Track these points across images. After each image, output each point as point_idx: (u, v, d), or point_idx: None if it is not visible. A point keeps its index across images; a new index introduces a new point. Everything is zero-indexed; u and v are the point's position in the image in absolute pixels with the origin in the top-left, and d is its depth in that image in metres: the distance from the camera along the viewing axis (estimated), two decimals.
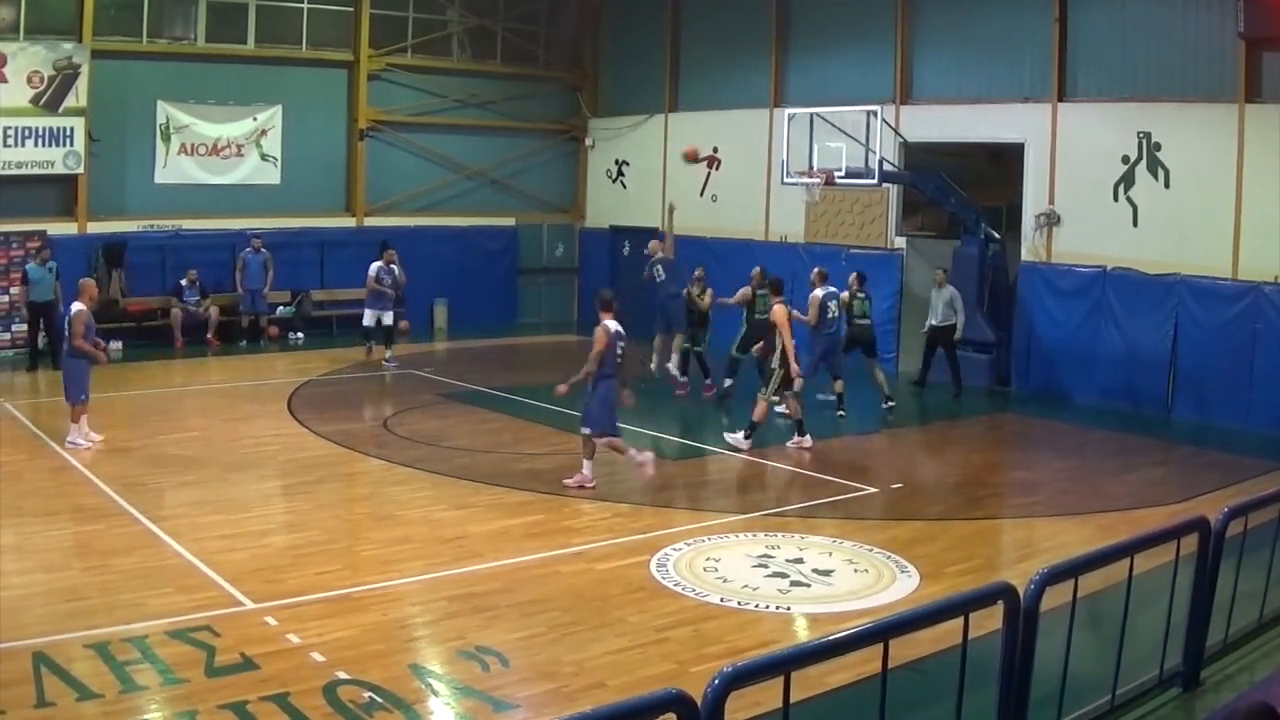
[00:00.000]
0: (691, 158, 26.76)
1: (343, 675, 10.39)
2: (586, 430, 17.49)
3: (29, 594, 12.46)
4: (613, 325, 17.26)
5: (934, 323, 25.90)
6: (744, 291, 23.74)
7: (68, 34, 29.12)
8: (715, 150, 33.57)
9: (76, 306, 19.27)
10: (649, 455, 17.70)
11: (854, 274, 24.77)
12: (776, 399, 20.69)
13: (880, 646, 6.38)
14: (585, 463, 17.57)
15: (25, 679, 10.10)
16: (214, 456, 18.97)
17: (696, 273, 25.08)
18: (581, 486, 17.35)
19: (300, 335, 31.87)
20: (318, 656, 10.84)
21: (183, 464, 18.43)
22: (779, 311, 20.19)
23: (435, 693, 10.31)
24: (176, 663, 10.56)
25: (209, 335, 30.40)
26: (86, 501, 16.21)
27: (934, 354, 26.27)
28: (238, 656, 10.74)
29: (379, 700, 9.95)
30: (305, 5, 32.94)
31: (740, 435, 20.24)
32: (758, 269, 24.36)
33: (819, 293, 22.82)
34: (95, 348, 19.46)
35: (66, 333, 19.47)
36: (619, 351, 17.30)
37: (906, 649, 8.10)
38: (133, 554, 13.91)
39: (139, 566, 13.45)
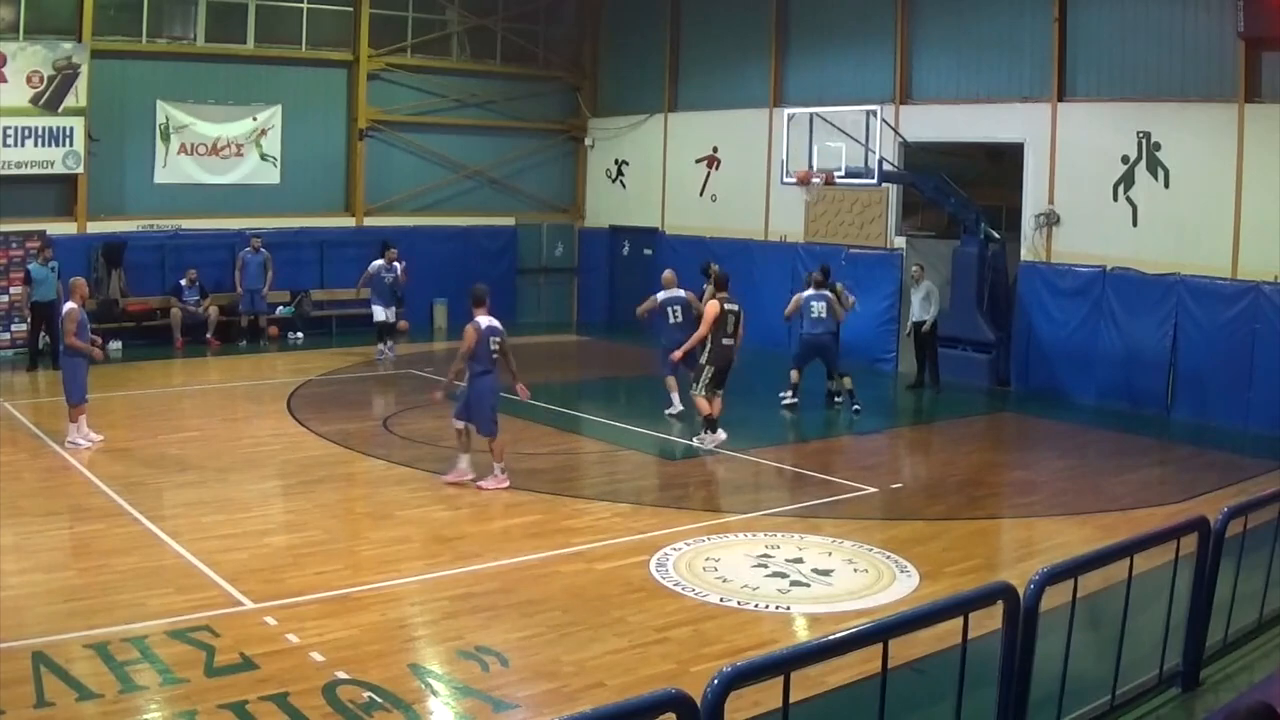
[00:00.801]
0: (804, 180, 26.50)
1: (342, 675, 10.39)
2: (460, 423, 17.38)
3: (28, 594, 12.46)
4: (484, 321, 17.16)
5: (914, 319, 26.03)
6: (797, 299, 23.87)
7: (67, 34, 29.14)
8: (715, 150, 33.65)
9: (68, 305, 19.27)
10: (466, 473, 17.42)
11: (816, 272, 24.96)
12: (717, 391, 20.32)
13: (880, 646, 6.38)
14: (462, 457, 17.50)
15: (25, 679, 10.10)
16: (214, 456, 18.96)
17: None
18: (458, 482, 17.31)
19: (300, 335, 31.88)
20: (317, 656, 10.85)
21: (182, 464, 18.43)
22: (710, 307, 20.02)
23: (435, 693, 10.31)
24: (176, 663, 10.56)
25: (209, 335, 30.42)
26: (86, 501, 16.21)
27: (924, 352, 26.31)
28: (237, 656, 10.75)
29: (378, 700, 9.94)
30: (305, 5, 32.96)
31: (707, 436, 20.27)
32: (814, 273, 24.56)
33: (805, 293, 23.02)
34: (91, 345, 19.45)
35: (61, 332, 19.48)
36: (494, 347, 17.15)
37: (906, 649, 8.12)
38: (132, 554, 13.91)
39: (138, 566, 13.46)
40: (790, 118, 27.39)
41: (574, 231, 38.37)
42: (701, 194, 34.14)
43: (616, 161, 37.19)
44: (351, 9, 33.67)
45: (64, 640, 10.98)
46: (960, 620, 6.88)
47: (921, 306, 25.66)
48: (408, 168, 35.16)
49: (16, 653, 10.60)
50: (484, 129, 36.42)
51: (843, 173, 25.97)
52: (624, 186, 37.05)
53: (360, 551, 14.42)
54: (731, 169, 33.31)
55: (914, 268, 26.22)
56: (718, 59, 33.67)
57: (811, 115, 26.83)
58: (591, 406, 23.85)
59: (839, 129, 26.11)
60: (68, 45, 28.89)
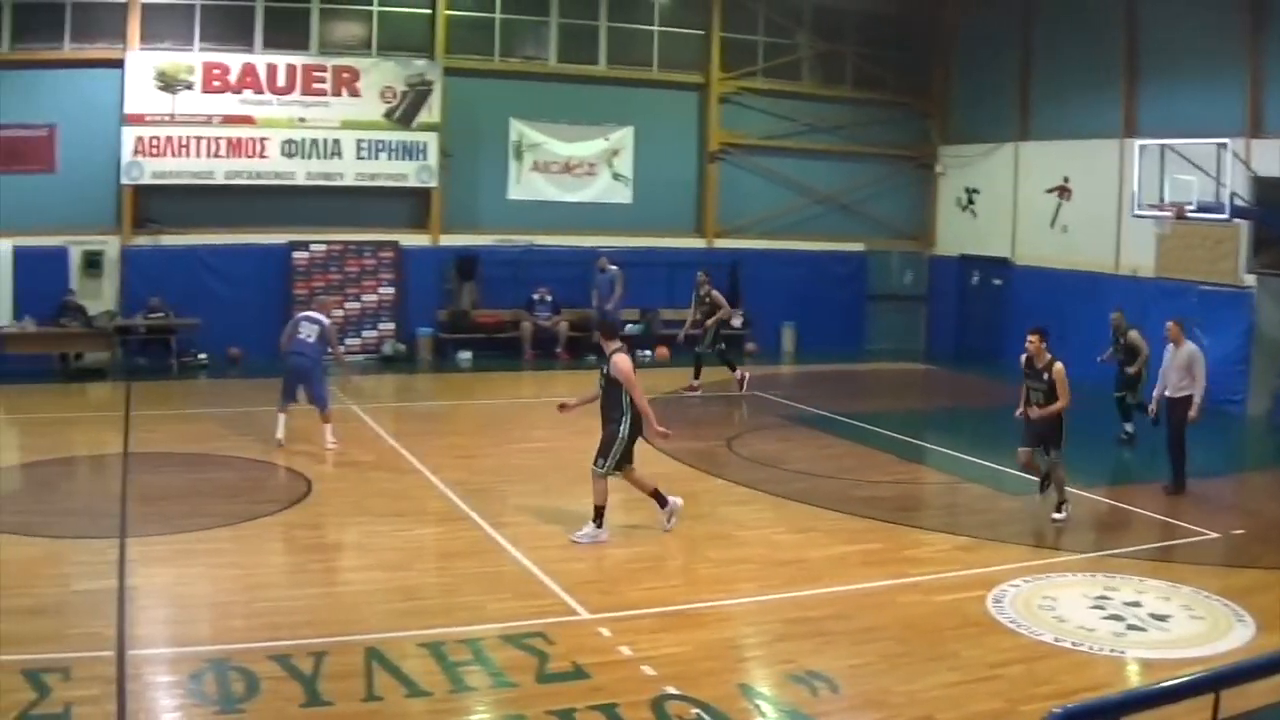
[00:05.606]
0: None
1: (671, 690, 10.48)
2: None
3: (368, 590, 13.01)
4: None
5: (1168, 393, 19.62)
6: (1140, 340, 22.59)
7: (420, 51, 30.33)
8: (1065, 180, 33.03)
9: None
10: None
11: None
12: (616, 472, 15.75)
13: (1211, 697, 6.22)
14: None
15: (356, 672, 10.53)
16: (557, 468, 19.22)
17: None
18: None
19: (648, 353, 32.12)
20: (648, 670, 10.98)
21: (526, 473, 18.87)
22: (621, 362, 15.71)
23: (763, 714, 10.32)
24: (508, 667, 10.84)
25: (559, 349, 31.12)
26: (430, 505, 16.74)
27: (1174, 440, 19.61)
28: (569, 665, 10.96)
29: (706, 717, 10.01)
30: (656, 28, 33.54)
31: (590, 530, 15.53)
32: (1118, 312, 23.84)
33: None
34: None
35: None
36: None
37: (1239, 700, 7.87)
38: (472, 558, 14.31)
39: (478, 570, 13.84)
40: (1142, 149, 26.75)
41: (924, 259, 38.00)
42: (1052, 225, 33.52)
43: (966, 190, 36.73)
44: (703, 32, 34.08)
45: (399, 638, 11.39)
46: None
47: (1179, 377, 19.40)
48: (757, 191, 35.31)
49: (351, 647, 11.05)
50: (833, 154, 36.32)
51: (1194, 207, 25.23)
52: (974, 215, 36.58)
53: (697, 569, 14.55)
54: (1082, 200, 32.63)
55: (1169, 324, 19.79)
56: (1068, 88, 32.95)
57: (1162, 147, 26.14)
58: (936, 437, 23.56)
59: (1190, 161, 25.37)
60: (420, 63, 30.14)
